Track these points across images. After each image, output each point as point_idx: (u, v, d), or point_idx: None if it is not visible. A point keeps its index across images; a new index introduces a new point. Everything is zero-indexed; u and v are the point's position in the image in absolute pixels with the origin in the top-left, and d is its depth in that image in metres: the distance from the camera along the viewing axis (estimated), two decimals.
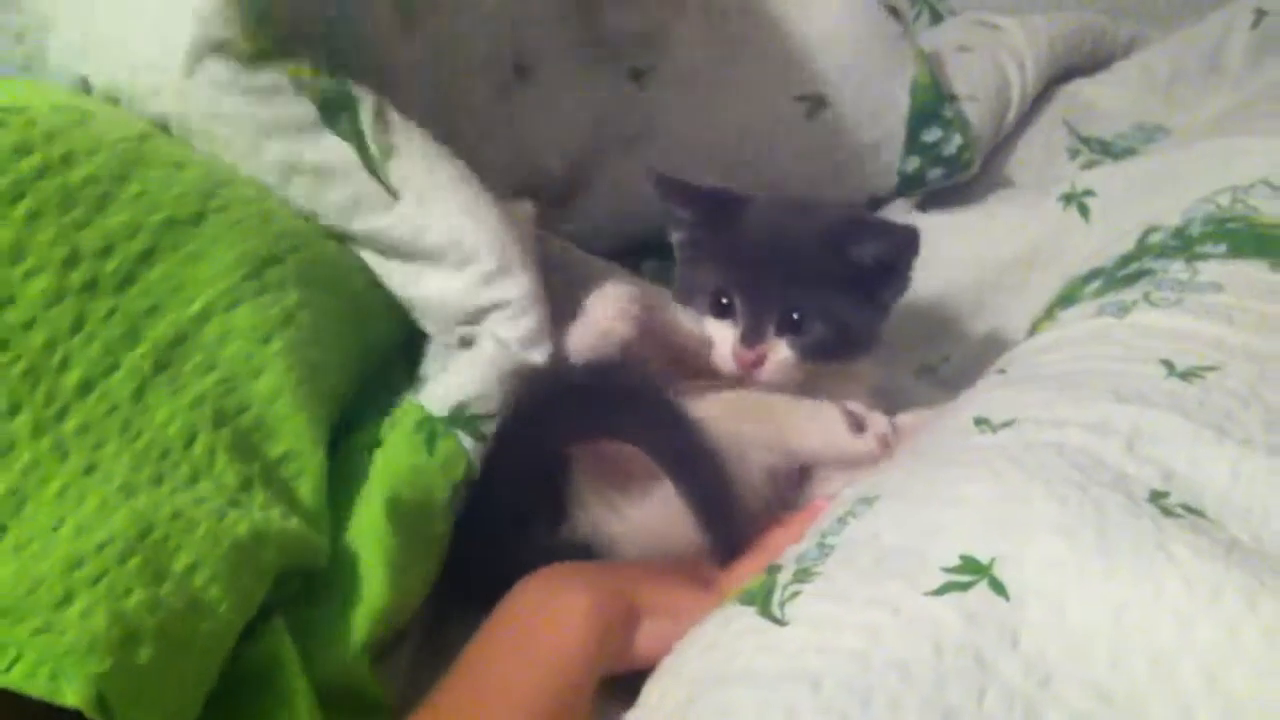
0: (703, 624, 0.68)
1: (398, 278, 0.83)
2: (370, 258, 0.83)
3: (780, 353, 0.87)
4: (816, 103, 1.19)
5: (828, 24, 1.23)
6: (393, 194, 0.79)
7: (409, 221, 0.79)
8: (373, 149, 0.78)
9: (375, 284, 0.83)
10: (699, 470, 0.77)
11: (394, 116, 0.80)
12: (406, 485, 0.74)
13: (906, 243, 0.89)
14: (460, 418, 0.77)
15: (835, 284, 0.88)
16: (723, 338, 0.88)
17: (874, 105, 1.24)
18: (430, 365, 0.81)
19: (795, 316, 0.87)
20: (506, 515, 0.80)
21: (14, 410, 0.60)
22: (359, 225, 0.80)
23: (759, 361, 0.87)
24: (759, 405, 0.86)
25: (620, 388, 0.81)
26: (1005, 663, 0.54)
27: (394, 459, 0.75)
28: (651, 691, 0.66)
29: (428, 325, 0.85)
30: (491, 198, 0.83)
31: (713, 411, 0.82)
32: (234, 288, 0.70)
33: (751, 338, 0.87)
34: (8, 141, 0.66)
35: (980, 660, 0.54)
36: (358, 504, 0.73)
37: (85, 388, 0.63)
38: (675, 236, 0.95)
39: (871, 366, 0.93)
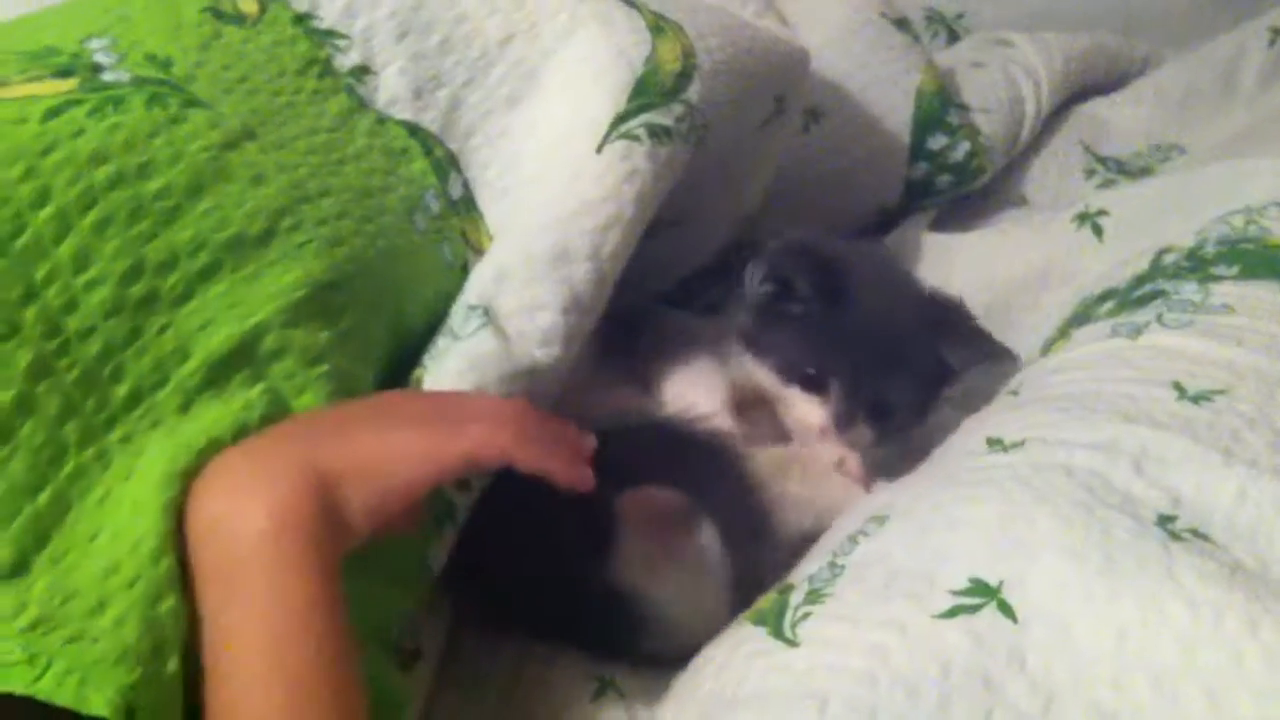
0: (716, 645, 0.68)
1: None
2: None
3: (864, 438, 0.90)
4: (811, 115, 1.20)
5: (825, 36, 1.24)
6: None
7: None
8: None
9: (423, 304, 0.82)
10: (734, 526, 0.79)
11: None
12: None
13: (995, 356, 0.94)
14: None
15: (921, 373, 0.92)
16: (810, 413, 0.90)
17: (873, 114, 1.25)
18: (429, 359, 0.79)
19: (882, 404, 0.89)
20: (549, 550, 0.79)
21: (65, 417, 0.61)
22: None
23: (848, 443, 0.89)
24: (806, 470, 0.88)
25: (682, 435, 0.84)
26: (1012, 684, 0.55)
27: None
28: (665, 714, 0.67)
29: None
30: None
31: (763, 466, 0.85)
32: (291, 308, 0.70)
33: (844, 424, 0.89)
34: (86, 149, 0.66)
35: (987, 681, 0.55)
36: None
37: (133, 400, 0.63)
38: (761, 290, 0.94)
39: None
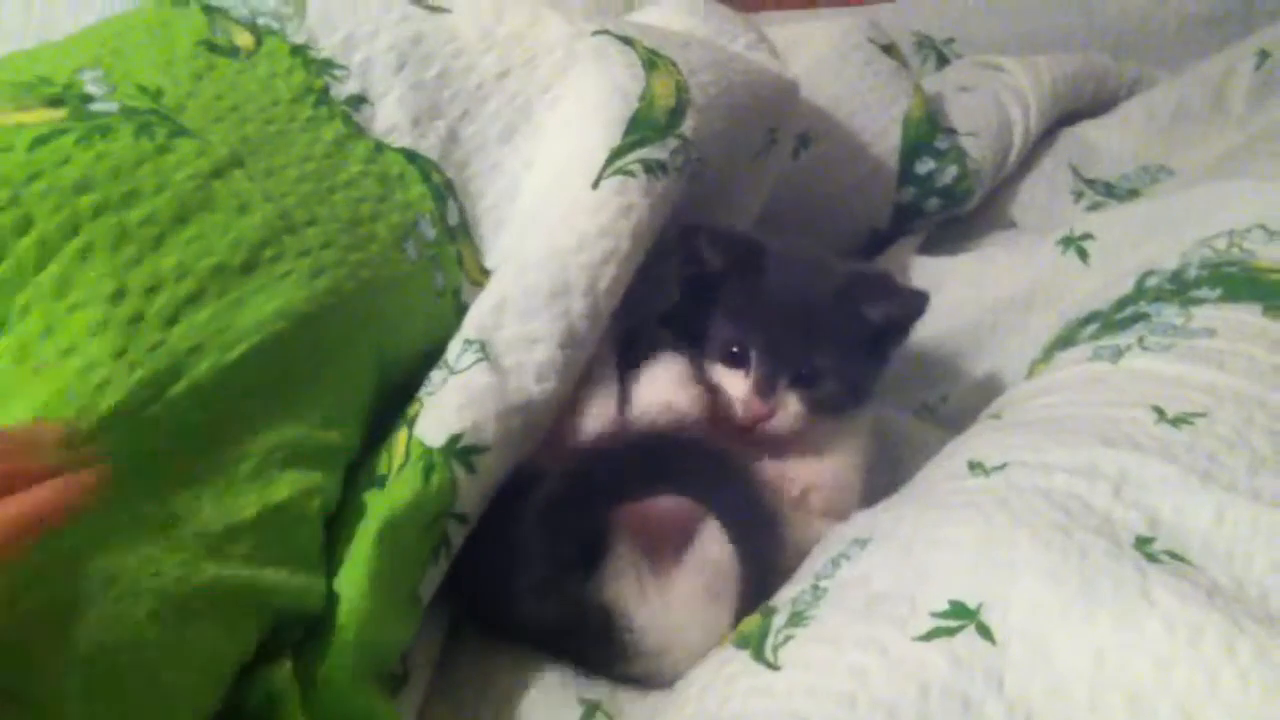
0: (700, 666, 0.69)
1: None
2: None
3: (791, 406, 0.88)
4: (801, 140, 1.21)
5: (814, 61, 1.26)
6: None
7: None
8: None
9: (411, 333, 0.83)
10: (757, 532, 0.78)
11: None
12: (401, 516, 0.73)
13: (916, 304, 0.91)
14: (453, 448, 0.76)
15: (845, 340, 0.90)
16: (735, 386, 0.88)
17: (862, 139, 1.27)
18: (425, 394, 0.79)
19: (807, 372, 0.88)
20: (541, 562, 0.79)
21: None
22: None
23: (770, 413, 0.88)
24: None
25: (687, 443, 0.82)
26: (990, 705, 0.56)
27: (392, 493, 0.74)
28: None
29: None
30: None
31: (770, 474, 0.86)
32: (272, 339, 0.70)
33: (765, 390, 0.87)
34: (70, 178, 0.67)
35: (966, 703, 0.56)
36: (353, 542, 0.72)
37: (118, 417, 0.63)
38: (686, 278, 0.93)
39: (867, 413, 0.95)
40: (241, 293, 0.70)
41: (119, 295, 0.65)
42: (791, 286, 0.91)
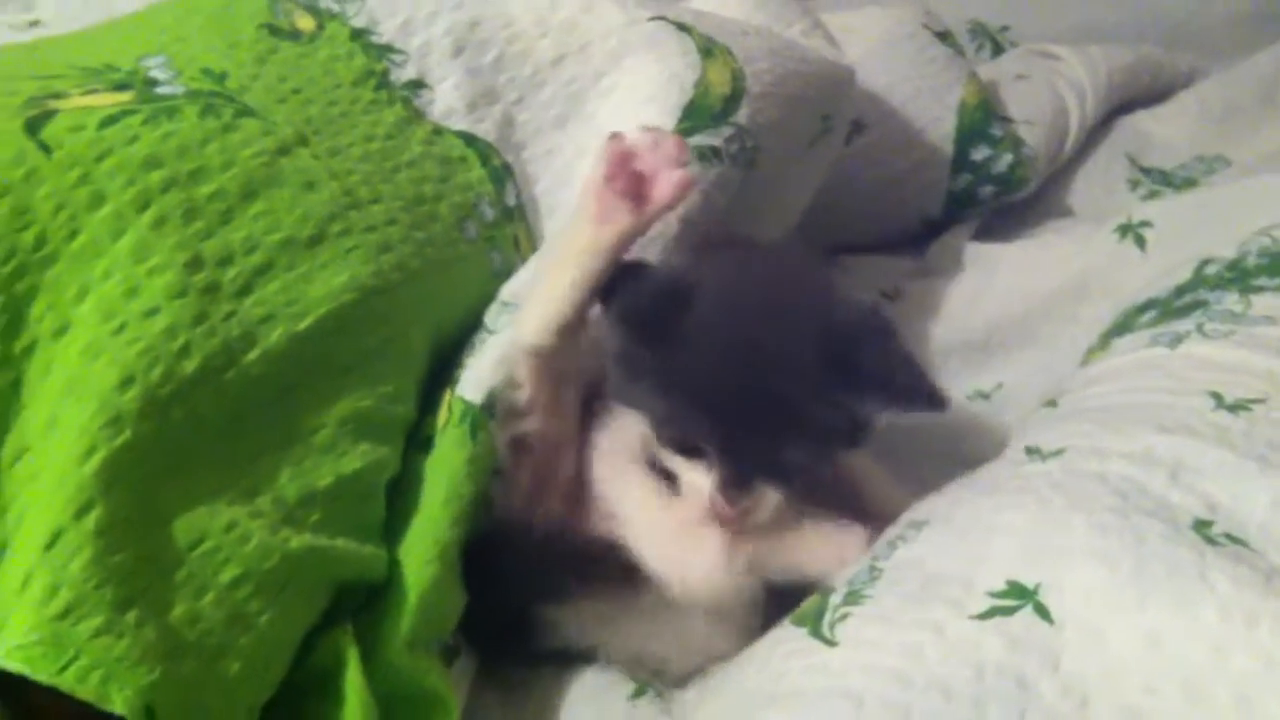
0: (757, 643, 0.69)
1: None
2: None
3: (769, 500, 0.73)
4: (854, 127, 1.20)
5: (868, 48, 1.26)
6: None
7: None
8: None
9: (466, 312, 0.83)
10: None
11: None
12: (459, 478, 0.74)
13: (931, 402, 0.71)
14: (493, 404, 0.76)
15: (826, 422, 0.72)
16: (694, 483, 0.74)
17: (916, 126, 1.27)
18: (467, 353, 0.80)
19: (780, 467, 0.73)
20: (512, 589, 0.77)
21: (125, 385, 0.62)
22: None
23: (744, 514, 0.73)
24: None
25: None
26: (1045, 685, 0.55)
27: (446, 456, 0.75)
28: (702, 712, 0.68)
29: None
30: None
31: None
32: (340, 312, 0.72)
33: (733, 492, 0.72)
34: (139, 155, 0.68)
35: (1021, 682, 0.56)
36: (413, 509, 0.74)
37: (199, 380, 0.65)
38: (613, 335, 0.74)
39: None
40: (310, 266, 0.72)
41: (195, 264, 0.67)
42: (748, 346, 0.71)
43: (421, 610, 0.70)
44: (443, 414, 0.77)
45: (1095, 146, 1.42)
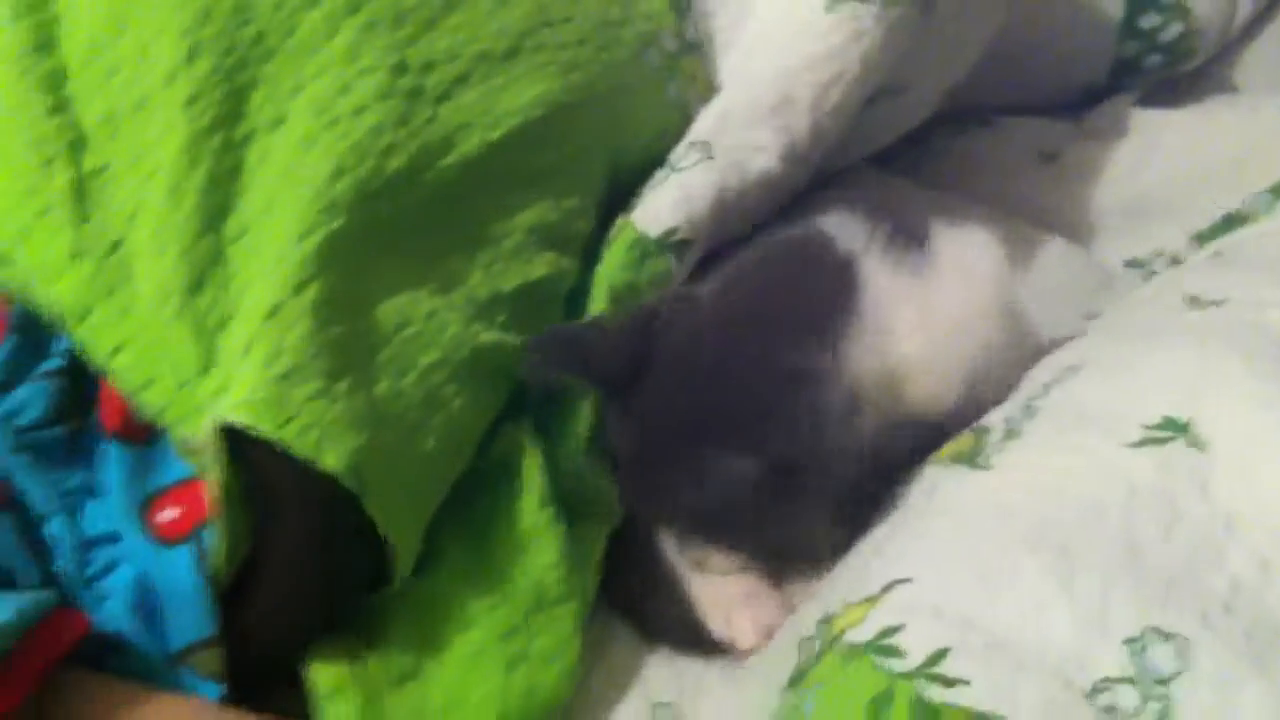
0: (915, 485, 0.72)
1: None
2: None
3: (716, 560, 0.76)
4: None
5: None
6: None
7: None
8: None
9: (643, 140, 0.86)
10: None
11: None
12: (620, 299, 0.78)
13: None
14: (668, 241, 0.79)
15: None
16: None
17: None
18: (647, 189, 0.83)
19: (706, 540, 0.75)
20: None
21: (338, 175, 0.68)
22: None
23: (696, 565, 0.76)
24: None
25: None
26: (1196, 508, 0.58)
27: (609, 274, 0.78)
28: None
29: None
30: None
31: None
32: (530, 124, 0.76)
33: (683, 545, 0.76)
34: None
35: (1171, 502, 0.58)
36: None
37: (402, 177, 0.70)
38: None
39: None
40: (504, 79, 0.76)
41: (400, 68, 0.71)
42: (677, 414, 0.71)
43: (595, 413, 0.75)
44: (613, 235, 0.81)
45: (1268, 21, 1.38)
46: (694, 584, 0.76)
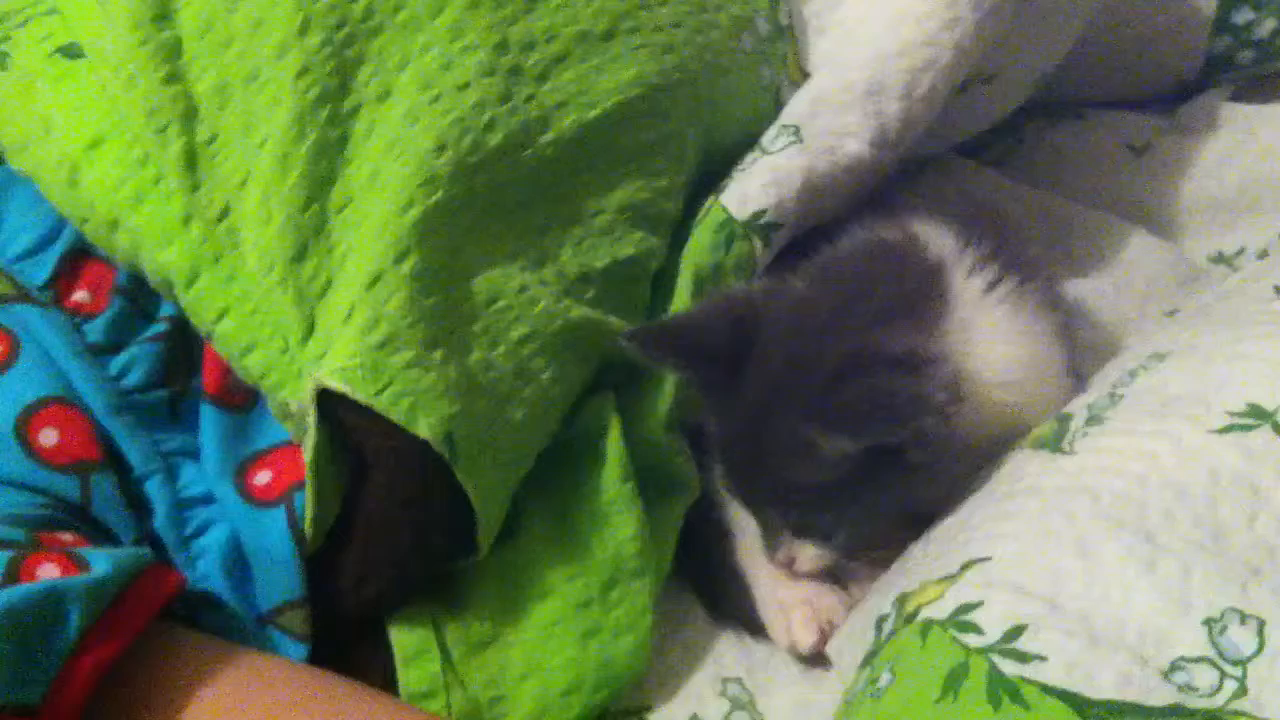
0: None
1: None
2: None
3: (807, 552, 0.74)
4: None
5: None
6: None
7: None
8: None
9: (736, 122, 0.87)
10: None
11: None
12: (705, 280, 0.79)
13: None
14: (756, 223, 0.80)
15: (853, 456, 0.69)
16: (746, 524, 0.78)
17: None
18: (738, 170, 0.83)
19: (804, 520, 0.73)
20: None
21: (440, 150, 0.69)
22: None
23: (788, 563, 0.75)
24: None
25: None
26: (1278, 493, 0.58)
27: (696, 254, 0.79)
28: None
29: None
30: None
31: None
32: (625, 105, 0.77)
33: (770, 540, 0.75)
34: None
35: (1255, 490, 0.58)
36: (669, 299, 0.79)
37: (501, 154, 0.72)
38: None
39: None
40: (602, 59, 0.77)
41: (502, 47, 0.73)
42: (767, 390, 0.71)
43: (677, 391, 0.76)
44: (701, 216, 0.82)
45: None
46: (759, 585, 0.77)
